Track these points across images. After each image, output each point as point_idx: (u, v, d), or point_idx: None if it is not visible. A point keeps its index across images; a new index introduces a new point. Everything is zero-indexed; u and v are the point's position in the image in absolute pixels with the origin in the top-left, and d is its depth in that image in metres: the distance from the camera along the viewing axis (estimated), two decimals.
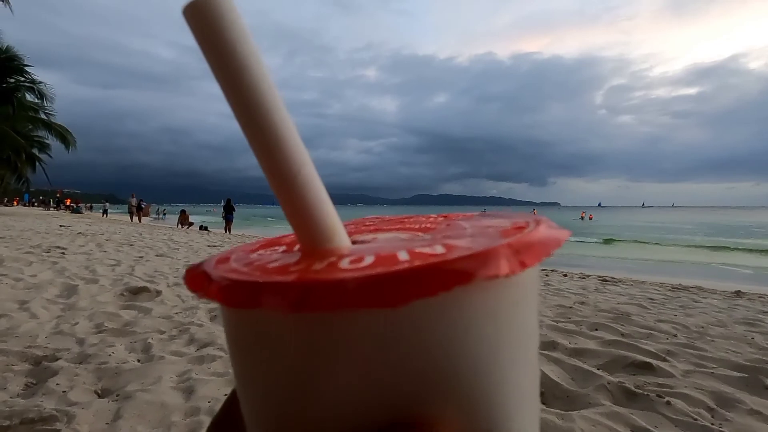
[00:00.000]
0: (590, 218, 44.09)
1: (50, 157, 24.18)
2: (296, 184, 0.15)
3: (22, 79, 20.54)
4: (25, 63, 20.17)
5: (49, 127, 22.19)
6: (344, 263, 0.14)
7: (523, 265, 0.13)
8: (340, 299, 0.12)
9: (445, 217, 0.22)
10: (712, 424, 1.71)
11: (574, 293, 4.82)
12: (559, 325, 3.15)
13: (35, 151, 23.22)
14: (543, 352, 2.49)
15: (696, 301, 4.68)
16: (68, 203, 46.69)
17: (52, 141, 23.09)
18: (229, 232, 15.75)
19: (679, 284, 6.38)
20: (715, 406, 1.86)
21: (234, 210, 17.47)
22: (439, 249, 0.14)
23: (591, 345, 2.65)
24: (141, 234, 10.60)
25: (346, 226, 0.19)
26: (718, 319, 3.65)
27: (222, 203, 17.88)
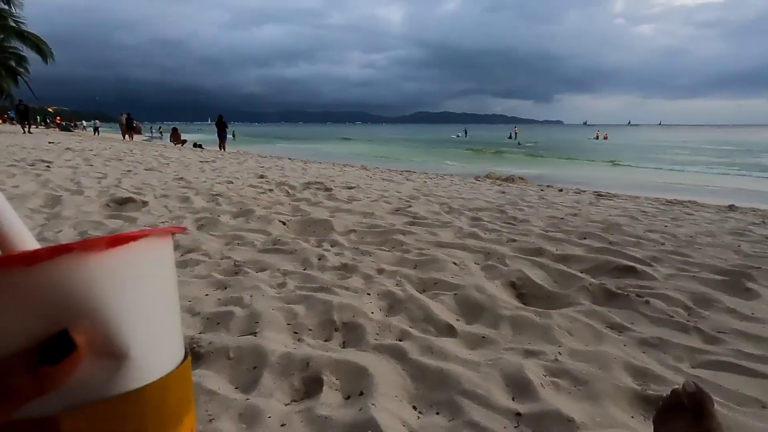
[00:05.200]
0: (605, 137, 42.78)
1: (27, 71, 22.85)
2: None
3: None
4: None
5: (22, 36, 20.64)
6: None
7: (110, 246, 0.22)
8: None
9: None
10: (688, 321, 1.73)
11: (567, 206, 4.79)
12: (549, 234, 3.14)
13: (12, 63, 21.88)
14: (530, 257, 2.49)
15: (689, 214, 4.67)
16: (58, 121, 45.30)
17: (27, 53, 21.66)
18: (224, 150, 15.46)
19: (674, 199, 6.36)
20: (693, 305, 1.88)
21: (227, 127, 16.98)
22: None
23: (578, 251, 2.65)
24: (131, 150, 10.36)
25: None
26: (708, 230, 3.65)
27: (209, 121, 17.44)
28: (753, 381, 1.31)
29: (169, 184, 4.84)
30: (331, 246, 2.70)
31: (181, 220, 3.20)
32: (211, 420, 1.09)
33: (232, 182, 5.33)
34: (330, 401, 1.19)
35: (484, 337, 1.58)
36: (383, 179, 7.12)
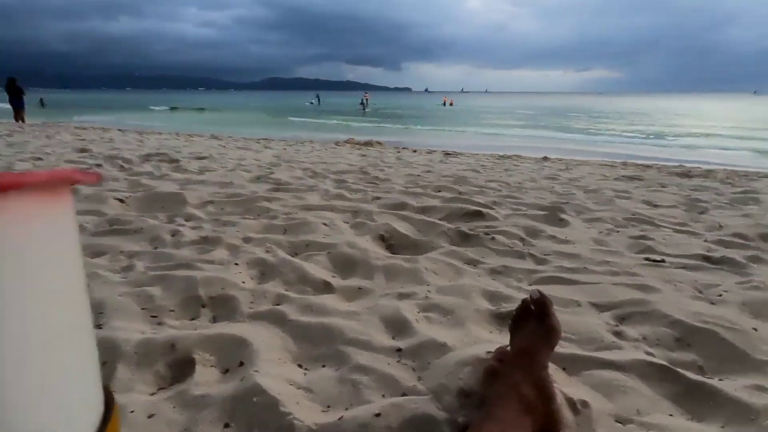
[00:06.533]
0: (451, 104, 46.16)
1: None
2: None
3: None
4: None
5: None
6: None
7: None
8: None
9: None
10: (523, 249, 2.06)
11: (422, 165, 5.19)
12: (409, 189, 3.36)
13: None
14: (394, 212, 2.63)
15: (516, 165, 5.52)
16: None
17: None
18: (23, 122, 12.30)
19: (504, 154, 7.43)
20: (526, 237, 2.24)
21: (24, 93, 13.47)
22: None
23: (435, 203, 2.90)
24: None
25: None
26: (531, 177, 4.38)
27: None
28: (570, 287, 1.63)
29: None
30: (186, 220, 2.42)
31: None
32: None
33: (41, 158, 4.30)
34: (206, 379, 1.08)
35: (360, 288, 1.62)
36: (239, 148, 6.62)
